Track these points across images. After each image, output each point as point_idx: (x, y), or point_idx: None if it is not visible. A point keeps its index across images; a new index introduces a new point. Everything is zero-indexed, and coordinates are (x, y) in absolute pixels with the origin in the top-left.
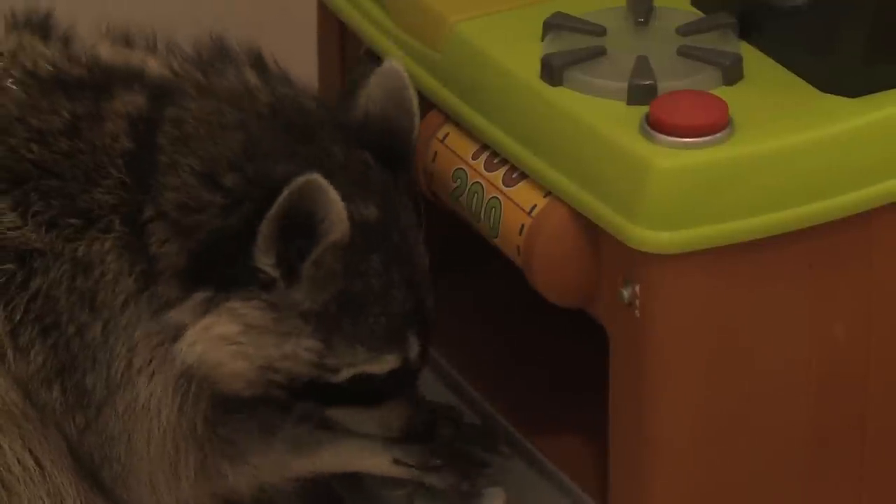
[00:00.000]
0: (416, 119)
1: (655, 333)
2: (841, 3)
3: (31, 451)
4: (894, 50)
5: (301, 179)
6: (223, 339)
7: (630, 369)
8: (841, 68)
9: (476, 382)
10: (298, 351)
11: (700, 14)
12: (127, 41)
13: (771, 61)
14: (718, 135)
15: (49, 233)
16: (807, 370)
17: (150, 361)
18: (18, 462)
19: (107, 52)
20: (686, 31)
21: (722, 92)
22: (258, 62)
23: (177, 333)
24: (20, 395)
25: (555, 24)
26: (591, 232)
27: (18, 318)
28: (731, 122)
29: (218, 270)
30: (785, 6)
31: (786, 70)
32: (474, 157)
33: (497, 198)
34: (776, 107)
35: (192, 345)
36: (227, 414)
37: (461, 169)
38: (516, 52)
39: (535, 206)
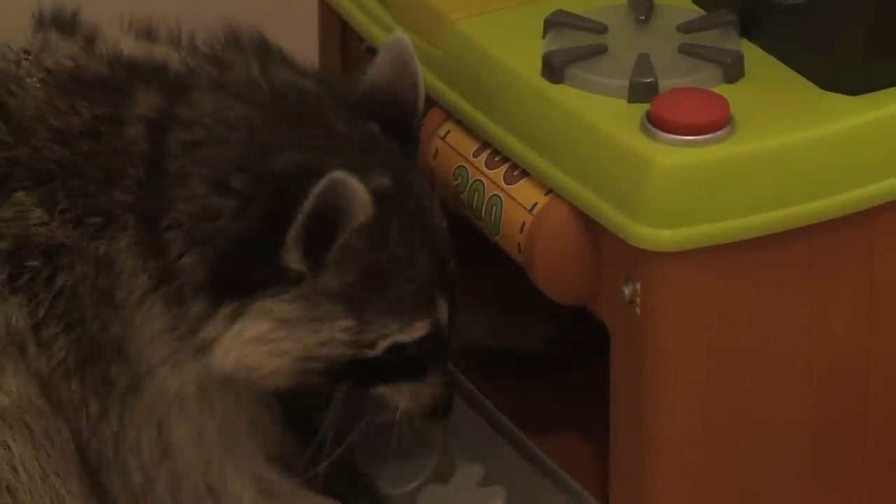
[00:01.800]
0: (421, 88)
1: (656, 331)
2: (842, 1)
3: (38, 460)
4: (894, 48)
5: (323, 182)
6: (257, 341)
7: (631, 367)
8: (842, 66)
9: (476, 380)
10: (334, 334)
11: (701, 12)
12: (150, 35)
13: (772, 59)
14: (719, 133)
15: (76, 230)
16: (808, 368)
17: (173, 355)
18: (24, 468)
19: (129, 48)
20: (687, 28)
21: (723, 90)
22: (262, 50)
23: (207, 346)
24: (37, 391)
25: (556, 22)
26: (592, 230)
27: (42, 314)
28: (732, 119)
29: (241, 277)
30: (786, 4)
31: (787, 68)
32: (475, 155)
33: (498, 195)
34: (777, 105)
35: (227, 353)
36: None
37: (462, 166)
38: (517, 50)
39: (535, 203)
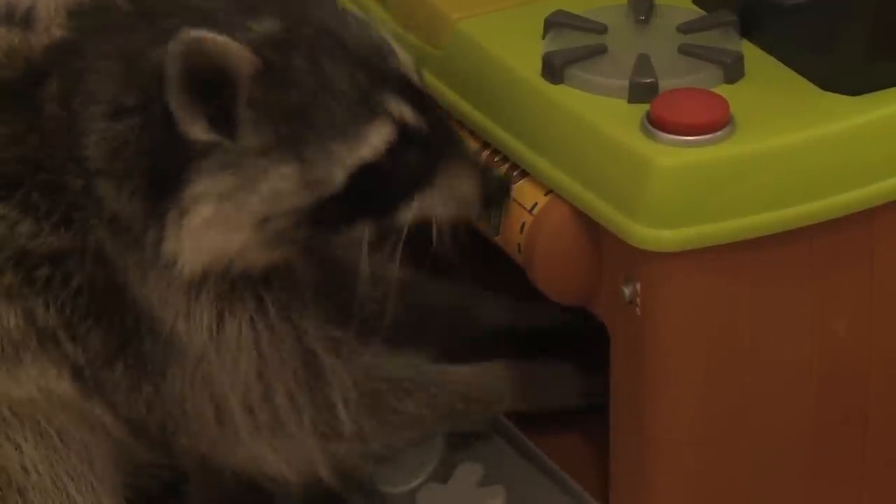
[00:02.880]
0: None
1: (656, 331)
2: (842, 2)
3: (49, 461)
4: (894, 48)
5: (175, 43)
6: (206, 225)
7: (631, 367)
8: (842, 66)
9: None
10: (277, 185)
11: (701, 12)
12: (71, 15)
13: (772, 59)
14: (719, 133)
15: (67, 231)
16: (808, 368)
17: (182, 307)
18: (35, 469)
19: (38, 40)
20: (687, 28)
21: (723, 90)
22: None
23: (174, 261)
24: (67, 381)
25: (556, 22)
26: (592, 230)
27: (69, 311)
28: (732, 120)
29: (170, 181)
30: (786, 4)
31: (787, 68)
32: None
33: None
34: (777, 105)
35: (189, 252)
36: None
37: None
38: (517, 50)
39: (535, 203)
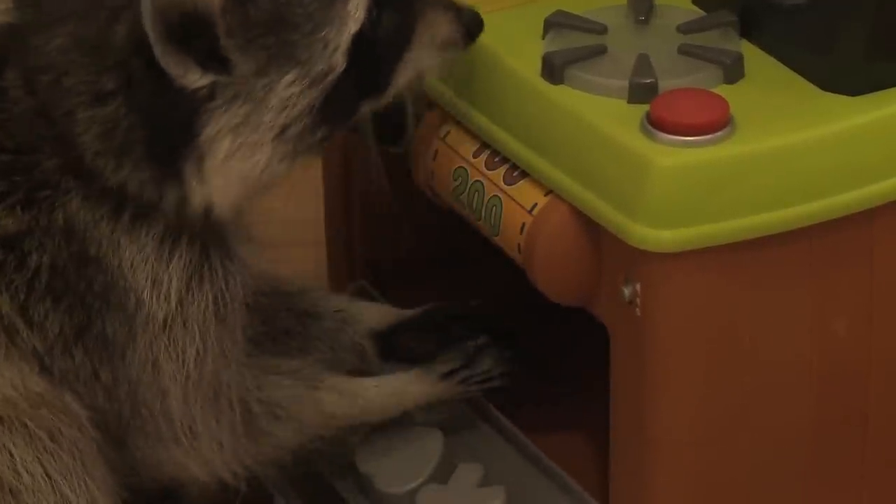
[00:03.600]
0: None
1: (656, 332)
2: (842, 2)
3: (40, 462)
4: (894, 48)
5: (144, 3)
6: (230, 158)
7: (631, 368)
8: (842, 67)
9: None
10: (285, 94)
11: (701, 12)
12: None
13: (772, 59)
14: (719, 133)
15: (27, 211)
16: (808, 368)
17: (150, 273)
18: (27, 471)
19: None
20: (687, 29)
21: (723, 90)
22: None
23: (208, 207)
24: (35, 376)
25: (555, 22)
26: (592, 230)
27: (24, 296)
28: (731, 120)
29: (178, 138)
30: (786, 4)
31: (787, 68)
32: (475, 156)
33: (498, 196)
34: (777, 105)
35: (222, 191)
36: (268, 375)
37: (462, 167)
38: (517, 50)
39: (535, 204)
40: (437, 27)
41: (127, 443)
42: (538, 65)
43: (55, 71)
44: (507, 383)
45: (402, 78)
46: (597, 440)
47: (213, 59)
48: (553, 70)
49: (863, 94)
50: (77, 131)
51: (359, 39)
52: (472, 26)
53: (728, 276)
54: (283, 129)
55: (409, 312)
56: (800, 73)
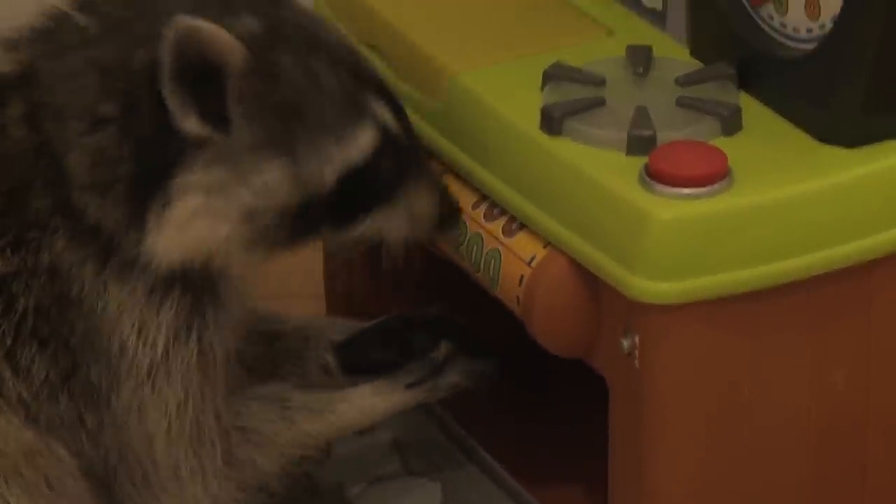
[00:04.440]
0: None
1: (655, 384)
2: (839, 54)
3: None
4: (892, 101)
5: (172, 32)
6: (192, 215)
7: (629, 420)
8: (839, 119)
9: (474, 431)
10: (268, 180)
11: (699, 64)
12: (15, 45)
13: (770, 112)
14: (717, 185)
15: (15, 254)
16: (807, 421)
17: (137, 321)
18: None
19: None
20: (685, 81)
21: (721, 142)
22: (82, 3)
23: (153, 254)
24: (20, 423)
25: (554, 75)
26: (591, 282)
27: (11, 341)
28: (730, 172)
29: (154, 180)
30: (784, 57)
31: (785, 120)
32: (474, 208)
33: (497, 248)
34: (775, 157)
35: (171, 242)
36: (242, 402)
37: (461, 219)
38: (516, 103)
39: (534, 256)
40: (419, 200)
41: (114, 490)
42: (537, 117)
43: (61, 96)
44: (476, 387)
45: (369, 227)
46: (596, 492)
47: (217, 114)
48: (552, 122)
49: (860, 146)
50: (70, 161)
51: (352, 172)
52: (447, 218)
53: (726, 328)
54: (252, 214)
55: (369, 324)
56: (798, 126)
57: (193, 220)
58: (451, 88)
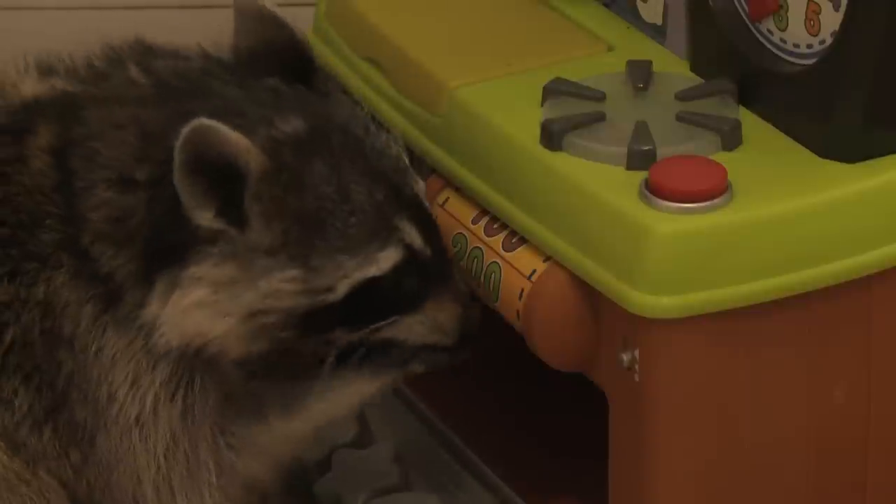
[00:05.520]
0: (291, 29)
1: (655, 398)
2: (839, 70)
3: None
4: (892, 116)
5: (187, 130)
6: (196, 306)
7: (629, 434)
8: (840, 134)
9: (475, 447)
10: (277, 286)
11: (699, 80)
12: (50, 70)
13: (770, 127)
14: (717, 200)
15: (11, 283)
16: (807, 435)
17: (131, 373)
18: None
19: (32, 87)
20: (685, 96)
21: (721, 157)
22: (139, 50)
23: (151, 326)
24: (3, 451)
25: (554, 90)
26: (591, 296)
27: None
28: (730, 187)
29: (169, 252)
30: (784, 72)
31: (785, 135)
32: (474, 222)
33: (497, 262)
34: (775, 172)
35: (171, 326)
36: (231, 413)
37: (461, 234)
38: (516, 118)
39: (534, 270)
40: (442, 314)
41: None
42: (537, 132)
43: (99, 143)
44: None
45: (385, 335)
46: None
47: (233, 210)
48: (552, 137)
49: (860, 161)
50: (89, 206)
51: (369, 285)
52: (471, 333)
53: (726, 342)
54: (256, 314)
55: None
56: (798, 141)
57: (196, 311)
58: (450, 103)
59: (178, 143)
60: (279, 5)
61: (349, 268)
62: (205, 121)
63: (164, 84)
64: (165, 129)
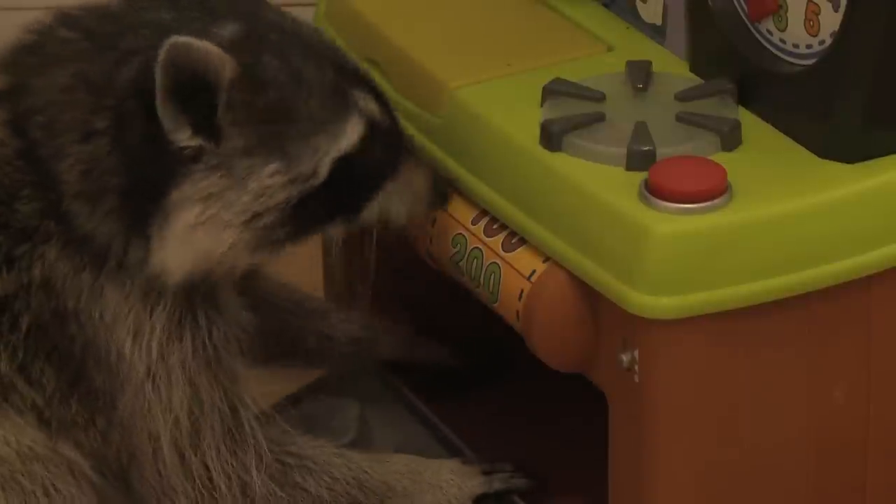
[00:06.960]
0: None
1: (654, 398)
2: (838, 70)
3: None
4: (892, 116)
5: (164, 49)
6: (194, 227)
7: (629, 434)
8: (839, 134)
9: (475, 446)
10: (265, 182)
11: (699, 80)
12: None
13: (769, 127)
14: (717, 200)
15: (9, 273)
16: (806, 435)
17: (132, 326)
18: None
19: None
20: (685, 97)
21: (720, 158)
22: (63, 15)
23: (160, 269)
24: (34, 427)
25: (554, 90)
26: (591, 297)
27: (22, 355)
28: (729, 187)
29: (151, 189)
30: (783, 72)
31: (784, 136)
32: (474, 223)
33: (496, 263)
34: (774, 173)
35: (175, 256)
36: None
37: (461, 234)
38: (515, 118)
39: (534, 271)
40: (415, 179)
41: (133, 487)
42: (536, 132)
43: (53, 108)
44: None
45: (373, 211)
46: None
47: (207, 125)
48: (551, 137)
49: (860, 161)
50: (62, 168)
51: (344, 159)
52: (442, 194)
53: (725, 342)
54: (255, 217)
55: (421, 349)
56: (797, 141)
57: (195, 232)
58: (450, 103)
59: (157, 66)
60: (279, 5)
61: (322, 147)
62: (179, 38)
63: (94, 32)
64: (110, 74)
